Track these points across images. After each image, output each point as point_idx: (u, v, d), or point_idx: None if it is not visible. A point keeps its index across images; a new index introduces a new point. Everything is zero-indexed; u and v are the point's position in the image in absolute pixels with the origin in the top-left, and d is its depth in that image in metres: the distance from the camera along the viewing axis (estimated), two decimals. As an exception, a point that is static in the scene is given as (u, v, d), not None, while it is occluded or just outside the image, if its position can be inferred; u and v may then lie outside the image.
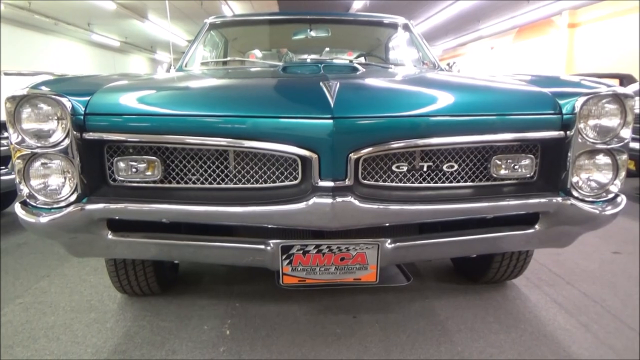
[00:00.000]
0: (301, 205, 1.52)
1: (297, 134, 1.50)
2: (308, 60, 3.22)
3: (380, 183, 1.69)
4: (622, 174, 1.73)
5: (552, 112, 1.66)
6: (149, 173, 1.68)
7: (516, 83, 1.87)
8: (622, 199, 1.73)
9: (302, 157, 1.55)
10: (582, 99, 1.64)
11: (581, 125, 1.66)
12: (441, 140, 1.59)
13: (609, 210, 1.69)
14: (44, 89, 1.57)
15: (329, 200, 1.50)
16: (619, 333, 2.09)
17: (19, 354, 1.94)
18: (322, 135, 1.48)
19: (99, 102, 1.60)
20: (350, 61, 2.96)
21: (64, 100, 1.54)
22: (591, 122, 1.67)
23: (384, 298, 2.42)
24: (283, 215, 1.55)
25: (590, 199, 1.71)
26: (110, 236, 1.69)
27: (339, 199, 1.51)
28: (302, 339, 2.03)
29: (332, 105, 1.48)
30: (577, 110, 1.64)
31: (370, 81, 1.86)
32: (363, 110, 1.52)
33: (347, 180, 1.54)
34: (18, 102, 1.52)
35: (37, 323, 2.21)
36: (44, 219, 1.57)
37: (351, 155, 1.52)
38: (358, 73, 2.08)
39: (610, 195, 1.73)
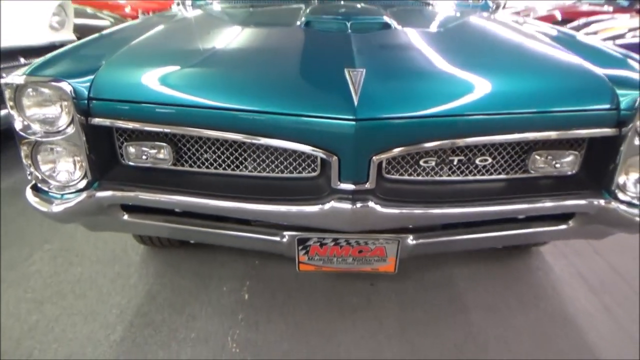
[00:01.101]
0: (318, 208, 1.43)
1: (315, 134, 1.36)
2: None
3: (406, 177, 1.57)
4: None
5: (608, 107, 1.46)
6: (160, 157, 1.59)
7: (573, 61, 1.63)
8: None
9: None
10: (649, 96, 1.42)
11: (639, 123, 1.46)
12: (478, 140, 1.43)
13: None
14: (43, 73, 1.44)
15: (348, 206, 1.40)
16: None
17: (48, 311, 2.04)
18: (343, 137, 1.34)
19: (102, 84, 1.47)
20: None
21: (64, 85, 1.41)
22: None
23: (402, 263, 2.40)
24: (299, 216, 1.47)
25: (635, 202, 1.56)
26: (125, 217, 1.66)
27: (359, 204, 1.41)
28: (318, 311, 2.06)
29: (355, 104, 1.32)
30: (638, 105, 1.43)
31: (403, 59, 1.64)
32: (390, 110, 1.35)
33: (368, 183, 1.42)
34: (16, 90, 1.41)
35: (64, 275, 2.30)
36: (57, 208, 1.54)
37: (374, 158, 1.38)
38: (390, 38, 1.84)
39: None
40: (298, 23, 1.99)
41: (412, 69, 1.53)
